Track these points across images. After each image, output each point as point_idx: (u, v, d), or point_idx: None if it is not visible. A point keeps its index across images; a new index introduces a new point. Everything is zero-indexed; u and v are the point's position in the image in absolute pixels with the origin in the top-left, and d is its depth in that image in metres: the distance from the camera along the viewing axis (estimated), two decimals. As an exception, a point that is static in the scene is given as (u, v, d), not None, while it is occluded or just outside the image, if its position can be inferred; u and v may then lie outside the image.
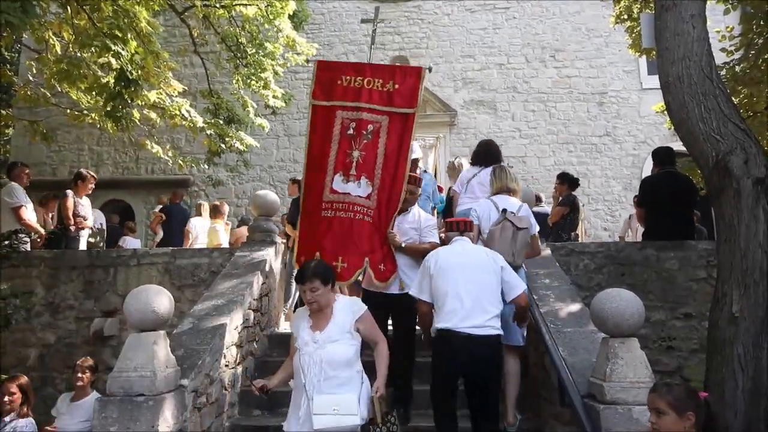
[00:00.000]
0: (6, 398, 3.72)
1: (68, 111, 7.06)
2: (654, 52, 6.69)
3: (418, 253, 4.04)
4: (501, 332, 3.31)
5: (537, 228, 4.11)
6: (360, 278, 4.19)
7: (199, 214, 7.89)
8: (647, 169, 11.75)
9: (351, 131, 4.07)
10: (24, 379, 3.89)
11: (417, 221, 4.21)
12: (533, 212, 4.36)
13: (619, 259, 5.18)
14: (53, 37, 5.20)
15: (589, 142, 12.32)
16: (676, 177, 5.44)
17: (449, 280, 3.31)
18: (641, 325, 3.01)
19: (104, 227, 7.61)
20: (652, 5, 6.52)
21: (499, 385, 3.47)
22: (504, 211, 3.91)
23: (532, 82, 12.61)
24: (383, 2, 13.21)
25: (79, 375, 4.02)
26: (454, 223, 3.75)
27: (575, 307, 4.01)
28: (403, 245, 4.05)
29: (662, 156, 5.49)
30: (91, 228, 6.67)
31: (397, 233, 4.06)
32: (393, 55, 12.71)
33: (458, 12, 13.01)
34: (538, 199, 8.39)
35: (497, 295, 3.34)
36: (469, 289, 3.26)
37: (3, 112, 9.17)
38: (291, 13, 8.66)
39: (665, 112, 7.99)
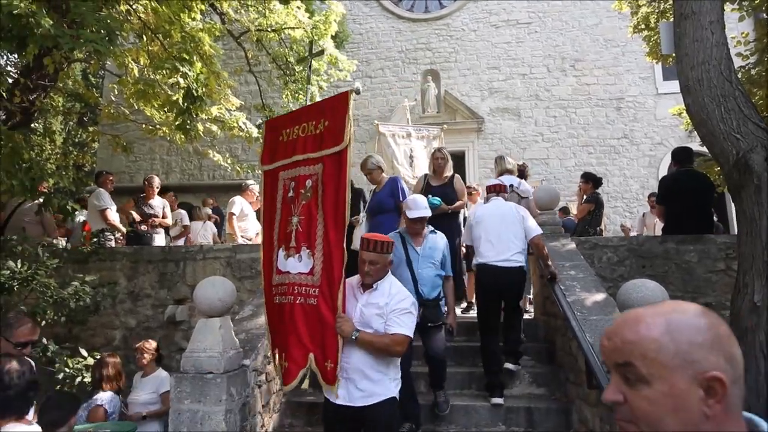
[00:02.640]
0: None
1: (143, 126, 7.28)
2: (671, 59, 6.44)
3: (375, 349, 2.63)
4: (523, 264, 3.94)
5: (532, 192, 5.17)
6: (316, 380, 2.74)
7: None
8: (663, 169, 11.33)
9: (291, 193, 2.99)
10: (104, 360, 3.91)
11: (385, 303, 2.69)
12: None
13: (641, 252, 4.99)
14: (132, 62, 5.38)
15: (607, 144, 11.97)
16: (695, 174, 5.20)
17: (483, 228, 3.98)
18: (666, 314, 2.88)
19: (188, 223, 7.81)
20: (669, 15, 6.27)
21: (520, 306, 4.16)
22: (511, 186, 4.85)
23: (554, 90, 12.33)
24: (415, 21, 13.17)
25: (145, 355, 4.07)
26: (491, 186, 4.38)
27: (600, 296, 3.87)
28: (354, 337, 2.59)
29: (681, 155, 5.26)
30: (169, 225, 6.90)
31: (349, 319, 2.65)
32: (424, 68, 12.65)
33: (484, 28, 12.84)
34: (566, 212, 8.19)
35: (521, 237, 3.95)
36: (497, 234, 3.92)
37: (90, 128, 9.59)
38: (333, 34, 8.71)
39: (682, 114, 7.69)
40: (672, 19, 4.20)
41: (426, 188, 5.04)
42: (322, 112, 2.93)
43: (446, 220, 4.81)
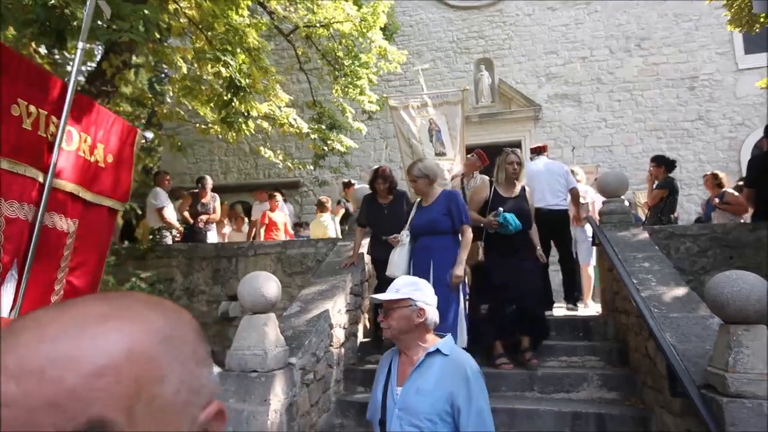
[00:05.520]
0: None
1: (198, 125, 7.43)
2: (759, 24, 5.69)
3: None
4: (567, 208, 5.16)
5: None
6: None
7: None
8: (746, 151, 10.24)
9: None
10: None
11: None
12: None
13: (727, 242, 4.41)
14: (180, 59, 5.44)
15: (680, 128, 10.99)
16: (791, 153, 4.55)
17: (537, 181, 4.97)
18: (768, 311, 2.43)
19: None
20: (754, -26, 5.53)
21: (568, 240, 5.26)
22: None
23: (617, 72, 11.48)
24: (466, 9, 12.71)
25: None
26: (534, 148, 5.66)
27: (681, 291, 3.41)
28: None
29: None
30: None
31: None
32: (477, 57, 12.18)
33: (539, 11, 12.16)
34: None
35: (565, 187, 5.13)
36: (546, 184, 5.04)
37: (152, 132, 9.99)
38: (382, 26, 8.51)
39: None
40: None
41: (494, 200, 3.98)
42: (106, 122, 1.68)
43: (522, 239, 3.93)
